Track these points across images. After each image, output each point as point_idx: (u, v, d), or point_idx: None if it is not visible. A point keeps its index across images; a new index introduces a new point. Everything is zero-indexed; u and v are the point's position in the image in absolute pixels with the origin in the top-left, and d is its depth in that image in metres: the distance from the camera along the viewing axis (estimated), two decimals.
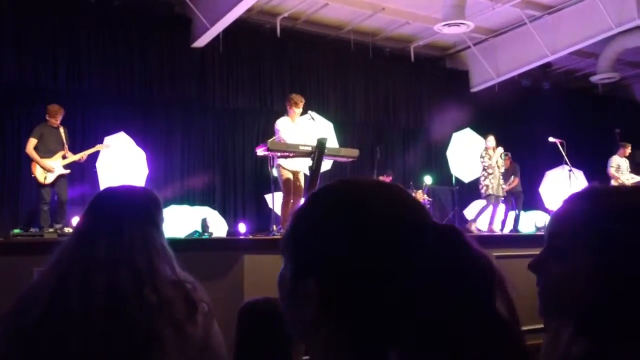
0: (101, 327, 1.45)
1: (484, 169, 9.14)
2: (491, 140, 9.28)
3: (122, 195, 1.73)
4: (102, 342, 1.45)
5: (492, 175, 9.03)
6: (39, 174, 7.41)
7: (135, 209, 1.64)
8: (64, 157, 7.59)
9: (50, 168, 7.42)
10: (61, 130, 7.66)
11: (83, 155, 7.75)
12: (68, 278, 1.51)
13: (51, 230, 6.87)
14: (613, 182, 9.92)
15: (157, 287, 1.53)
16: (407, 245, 0.74)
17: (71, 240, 1.61)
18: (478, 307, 0.72)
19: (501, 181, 9.18)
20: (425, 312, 0.71)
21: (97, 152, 8.15)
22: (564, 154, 9.18)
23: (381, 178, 10.63)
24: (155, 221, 1.66)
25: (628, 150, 10.36)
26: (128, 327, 1.47)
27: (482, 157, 9.21)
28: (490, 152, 9.18)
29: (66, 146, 7.66)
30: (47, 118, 7.59)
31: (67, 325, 1.45)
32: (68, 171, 7.63)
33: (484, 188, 9.08)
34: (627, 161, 10.37)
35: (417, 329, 0.71)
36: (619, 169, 10.23)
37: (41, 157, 7.45)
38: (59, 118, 7.63)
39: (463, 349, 0.70)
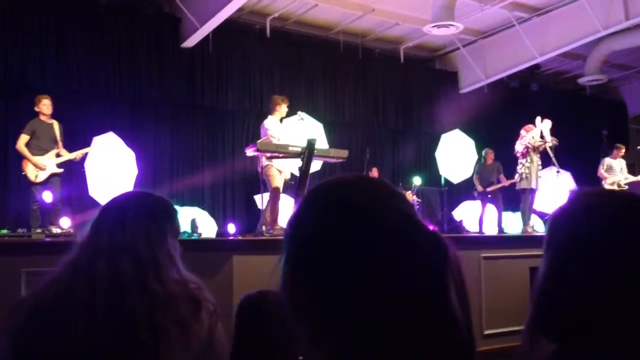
0: (105, 311, 1.48)
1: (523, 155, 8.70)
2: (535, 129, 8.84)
3: (132, 196, 1.80)
4: (106, 328, 1.48)
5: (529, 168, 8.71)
6: (29, 171, 7.07)
7: (141, 208, 1.69)
8: (57, 156, 7.25)
9: (42, 166, 7.07)
10: (55, 125, 7.28)
11: (78, 154, 7.41)
12: (76, 268, 1.57)
13: (39, 231, 6.70)
14: (603, 183, 10.03)
15: (161, 280, 1.56)
16: (363, 235, 0.77)
17: (85, 234, 1.67)
18: (429, 302, 0.74)
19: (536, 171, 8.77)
20: (367, 306, 0.74)
21: (85, 154, 8.01)
22: (552, 155, 9.22)
23: (372, 173, 10.68)
24: (161, 224, 1.68)
25: (621, 152, 10.44)
26: (131, 315, 1.49)
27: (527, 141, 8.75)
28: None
29: (60, 143, 7.29)
30: (37, 111, 7.23)
31: (73, 314, 1.49)
32: (61, 170, 7.28)
33: (521, 179, 8.68)
34: (623, 162, 10.42)
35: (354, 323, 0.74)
36: (610, 170, 10.32)
37: (33, 154, 7.09)
38: (49, 107, 7.24)
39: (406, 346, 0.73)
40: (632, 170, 11.11)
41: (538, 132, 8.77)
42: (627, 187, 9.88)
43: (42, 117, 7.24)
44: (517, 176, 8.76)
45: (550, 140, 8.74)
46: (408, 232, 0.77)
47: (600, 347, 0.94)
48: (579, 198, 1.06)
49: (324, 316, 0.77)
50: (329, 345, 0.76)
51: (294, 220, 0.84)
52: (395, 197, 0.84)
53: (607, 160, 10.36)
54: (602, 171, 10.26)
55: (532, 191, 8.72)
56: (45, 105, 7.20)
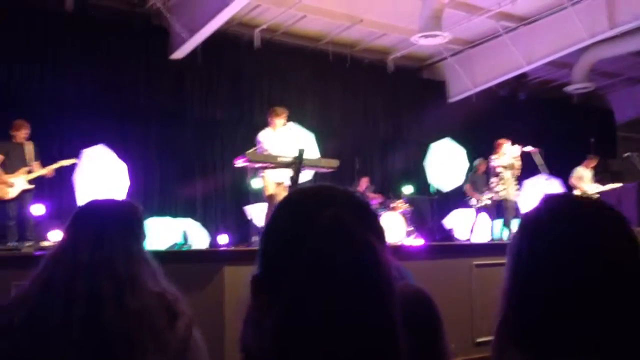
0: (80, 334, 1.47)
1: (495, 174, 9.06)
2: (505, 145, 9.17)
3: (105, 207, 1.76)
4: (82, 348, 1.46)
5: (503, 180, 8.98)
6: (0, 190, 7.35)
7: (117, 221, 1.68)
8: (29, 172, 7.49)
9: (10, 183, 7.34)
10: (27, 147, 7.56)
11: (49, 169, 7.62)
12: (51, 286, 1.54)
13: (28, 244, 6.77)
14: (575, 192, 10.17)
15: (137, 295, 1.56)
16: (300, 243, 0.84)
17: (55, 251, 1.64)
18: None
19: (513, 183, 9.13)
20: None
21: (74, 165, 8.04)
22: (541, 162, 9.28)
23: (361, 182, 10.72)
24: (136, 234, 1.69)
25: (593, 163, 10.62)
26: (107, 331, 1.48)
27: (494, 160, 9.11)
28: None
29: (34, 162, 7.55)
30: (11, 133, 7.51)
31: (47, 333, 1.47)
32: (32, 186, 7.51)
33: (494, 194, 9.07)
34: (592, 172, 10.62)
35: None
36: (581, 179, 10.47)
37: (6, 172, 7.37)
38: (24, 132, 7.53)
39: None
40: (620, 177, 11.22)
41: (508, 157, 9.01)
42: (598, 195, 9.98)
43: (15, 138, 7.51)
44: (492, 191, 9.07)
45: (517, 167, 9.05)
46: (337, 233, 0.84)
47: (571, 357, 0.92)
48: (547, 202, 1.04)
49: (269, 307, 0.84)
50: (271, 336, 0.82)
51: (263, 228, 0.96)
52: (339, 202, 0.91)
53: (580, 170, 10.54)
54: (572, 180, 10.42)
55: (512, 202, 9.03)
56: (23, 133, 7.51)
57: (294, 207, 0.92)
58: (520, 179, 11.75)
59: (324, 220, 0.84)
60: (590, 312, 0.91)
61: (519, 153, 9.06)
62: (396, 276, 0.87)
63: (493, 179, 9.13)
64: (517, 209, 9.03)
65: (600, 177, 11.18)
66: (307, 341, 0.79)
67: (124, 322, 1.50)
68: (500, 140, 9.21)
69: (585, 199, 1.08)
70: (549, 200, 1.05)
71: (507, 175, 8.99)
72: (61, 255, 1.60)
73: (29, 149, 7.57)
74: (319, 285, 0.80)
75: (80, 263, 1.55)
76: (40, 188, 7.79)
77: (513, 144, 9.14)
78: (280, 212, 0.93)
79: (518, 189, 9.21)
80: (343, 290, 0.79)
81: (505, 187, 8.94)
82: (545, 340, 0.94)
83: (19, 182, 7.42)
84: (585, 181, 10.50)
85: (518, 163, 9.07)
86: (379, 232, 0.92)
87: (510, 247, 1.05)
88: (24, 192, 7.45)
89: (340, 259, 0.81)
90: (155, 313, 1.56)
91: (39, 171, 7.56)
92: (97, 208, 1.73)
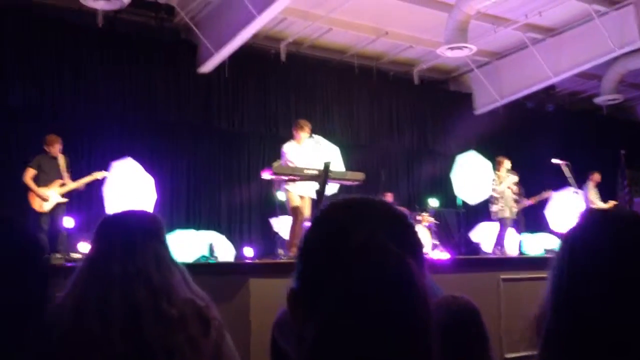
0: (122, 347, 1.48)
1: (494, 192, 9.15)
2: (507, 163, 9.27)
3: (130, 217, 1.78)
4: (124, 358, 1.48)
5: (502, 199, 9.04)
6: (35, 202, 7.50)
7: (145, 230, 1.69)
8: (62, 186, 7.64)
9: (45, 197, 7.48)
10: (60, 160, 7.72)
11: (81, 183, 7.78)
12: (86, 301, 1.54)
13: (59, 256, 6.88)
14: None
15: (173, 302, 1.57)
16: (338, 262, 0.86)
17: (85, 266, 1.65)
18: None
19: (511, 203, 9.16)
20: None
21: (104, 179, 8.17)
22: (569, 175, 9.17)
23: (386, 198, 10.65)
24: (163, 241, 1.70)
25: (598, 178, 10.67)
26: (147, 342, 1.50)
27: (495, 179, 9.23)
28: (503, 175, 9.18)
29: (66, 175, 7.70)
30: (45, 148, 7.67)
31: (88, 347, 1.48)
32: (65, 200, 7.66)
33: (493, 214, 9.11)
34: (596, 189, 10.69)
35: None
36: (592, 195, 10.41)
37: (40, 186, 7.52)
38: (57, 147, 7.69)
39: None
40: None
41: (507, 183, 9.15)
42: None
43: (49, 152, 7.68)
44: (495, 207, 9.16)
45: (515, 191, 9.27)
46: (370, 250, 0.85)
47: None
48: (588, 217, 1.06)
49: (305, 320, 0.87)
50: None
51: (300, 242, 0.97)
52: (374, 219, 0.92)
53: (590, 185, 10.52)
54: (590, 196, 10.36)
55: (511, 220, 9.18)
56: (55, 149, 7.68)
57: (330, 224, 0.93)
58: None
59: (358, 241, 0.86)
60: (633, 322, 0.93)
61: (516, 179, 9.20)
62: (432, 293, 0.88)
63: (492, 198, 9.21)
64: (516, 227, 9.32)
65: (630, 189, 11.03)
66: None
67: (162, 331, 1.52)
68: (500, 158, 9.28)
69: (625, 212, 1.09)
70: (590, 215, 1.07)
71: (507, 193, 9.10)
72: (93, 268, 1.61)
73: (62, 162, 7.73)
74: (353, 307, 0.81)
75: (114, 275, 1.56)
76: (70, 201, 7.91)
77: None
78: (316, 228, 0.95)
79: (515, 208, 9.33)
80: (377, 312, 0.81)
81: (503, 206, 9.04)
82: (591, 352, 0.95)
83: (53, 195, 7.56)
84: (594, 196, 10.45)
85: (515, 188, 9.27)
86: (415, 246, 0.93)
87: (553, 261, 1.06)
88: (58, 205, 7.60)
89: (373, 282, 0.82)
90: (190, 320, 1.58)
91: (72, 184, 7.70)
92: (123, 218, 1.75)
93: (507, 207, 9.10)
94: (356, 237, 0.86)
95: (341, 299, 0.82)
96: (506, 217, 9.09)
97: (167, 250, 1.69)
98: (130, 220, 1.75)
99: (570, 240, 1.05)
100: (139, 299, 1.54)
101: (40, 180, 7.55)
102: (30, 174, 7.52)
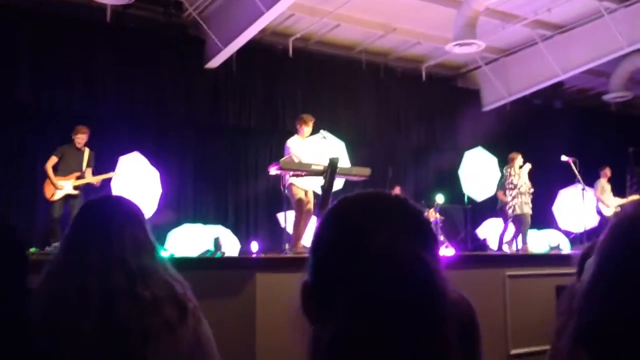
0: (97, 331, 1.48)
1: (510, 188, 9.06)
2: (519, 159, 9.22)
3: (107, 202, 1.78)
4: (96, 342, 1.48)
5: (520, 195, 8.96)
6: (47, 190, 7.57)
7: (122, 213, 1.68)
8: (78, 178, 7.68)
9: (59, 186, 7.53)
10: (85, 152, 7.79)
11: (98, 179, 7.83)
12: (64, 291, 1.54)
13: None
14: (600, 204, 10.04)
15: (149, 285, 1.57)
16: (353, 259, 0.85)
17: (61, 253, 1.64)
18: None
19: (527, 199, 9.10)
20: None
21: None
22: (576, 172, 9.14)
23: (394, 191, 10.63)
24: (142, 226, 1.70)
25: (609, 173, 10.48)
26: (122, 324, 1.50)
27: (509, 175, 9.11)
28: (517, 169, 9.10)
29: (87, 168, 7.76)
30: (72, 137, 7.74)
31: (63, 336, 1.48)
32: (76, 192, 7.66)
33: (511, 208, 9.00)
34: (609, 184, 10.57)
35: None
36: (604, 191, 10.31)
37: (59, 175, 7.58)
38: (82, 137, 7.74)
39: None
40: None
41: (523, 176, 9.08)
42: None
43: (75, 143, 7.74)
44: (509, 206, 9.02)
45: (527, 187, 9.09)
46: (391, 254, 0.84)
47: None
48: (638, 205, 1.05)
49: (321, 321, 0.86)
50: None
51: (314, 236, 0.95)
52: (393, 218, 0.91)
53: (602, 182, 10.39)
54: (597, 193, 10.27)
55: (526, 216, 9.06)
56: (80, 138, 7.74)
57: (346, 221, 0.91)
58: (554, 189, 11.60)
59: (379, 243, 0.85)
60: None
61: (528, 170, 9.11)
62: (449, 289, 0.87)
63: (509, 193, 9.07)
64: (529, 222, 9.15)
65: (639, 186, 10.98)
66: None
67: (137, 313, 1.52)
68: (512, 155, 9.21)
69: None
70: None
71: (523, 189, 9.01)
72: (69, 255, 1.60)
73: (86, 155, 7.80)
74: (373, 310, 0.81)
75: (90, 265, 1.55)
76: (85, 195, 7.89)
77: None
78: (331, 223, 0.93)
79: (529, 204, 9.20)
80: (398, 314, 0.81)
81: (520, 202, 8.95)
82: (630, 346, 0.93)
83: (67, 186, 7.61)
84: (607, 192, 10.35)
85: (528, 183, 9.16)
86: (432, 243, 0.93)
87: (599, 250, 1.04)
88: (68, 196, 7.62)
89: (395, 286, 0.81)
90: (165, 303, 1.57)
91: (87, 179, 7.75)
92: (99, 206, 1.74)
93: (524, 203, 9.00)
94: (376, 239, 0.85)
95: (361, 301, 0.81)
96: (524, 213, 8.99)
97: (145, 233, 1.69)
98: (108, 204, 1.75)
99: (618, 227, 1.03)
100: (115, 284, 1.53)
101: (60, 170, 7.61)
102: (51, 162, 7.60)
